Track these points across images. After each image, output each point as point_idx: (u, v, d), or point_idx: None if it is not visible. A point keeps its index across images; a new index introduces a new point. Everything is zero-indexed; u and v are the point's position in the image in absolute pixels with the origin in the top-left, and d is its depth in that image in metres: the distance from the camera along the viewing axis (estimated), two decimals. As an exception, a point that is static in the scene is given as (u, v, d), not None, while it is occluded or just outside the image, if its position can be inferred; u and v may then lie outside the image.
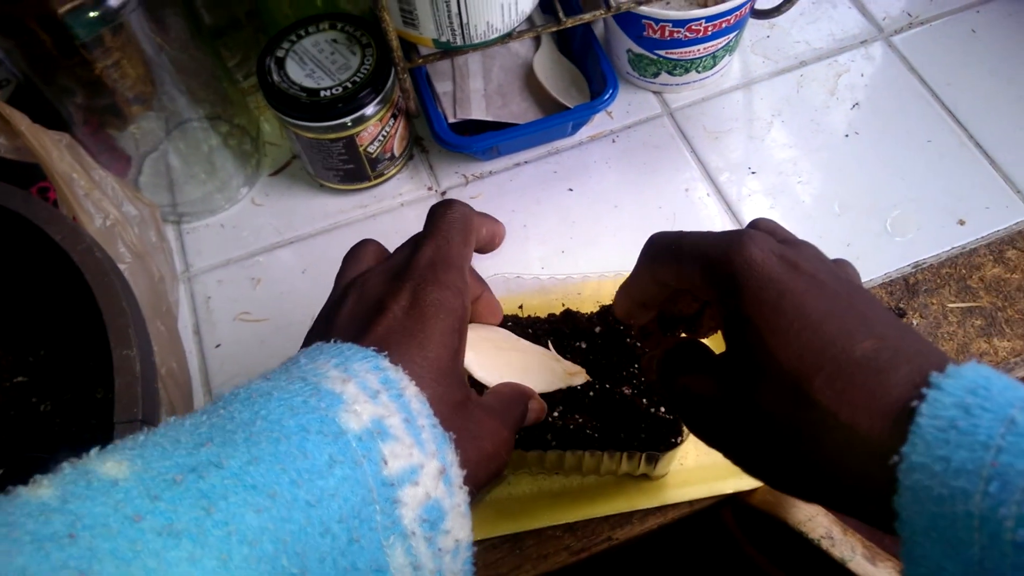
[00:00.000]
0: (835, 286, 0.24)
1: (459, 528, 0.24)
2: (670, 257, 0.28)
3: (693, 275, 0.27)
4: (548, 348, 0.38)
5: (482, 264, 0.51)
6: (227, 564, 0.18)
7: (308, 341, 0.28)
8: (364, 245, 0.31)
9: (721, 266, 0.25)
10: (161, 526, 0.18)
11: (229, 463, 0.20)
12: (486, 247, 0.32)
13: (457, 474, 0.24)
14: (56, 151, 0.35)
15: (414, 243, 0.30)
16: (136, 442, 0.21)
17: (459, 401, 0.26)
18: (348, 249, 0.32)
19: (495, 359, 0.33)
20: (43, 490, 0.19)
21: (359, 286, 0.28)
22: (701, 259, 0.26)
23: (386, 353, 0.24)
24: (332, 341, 0.25)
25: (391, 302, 0.26)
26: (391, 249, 0.32)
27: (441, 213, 0.30)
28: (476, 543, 0.40)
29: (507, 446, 0.28)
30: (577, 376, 0.36)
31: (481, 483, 0.26)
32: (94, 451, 0.20)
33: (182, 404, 0.37)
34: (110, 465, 0.19)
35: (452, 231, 0.29)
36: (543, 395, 0.34)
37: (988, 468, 0.18)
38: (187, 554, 0.18)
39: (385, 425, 0.22)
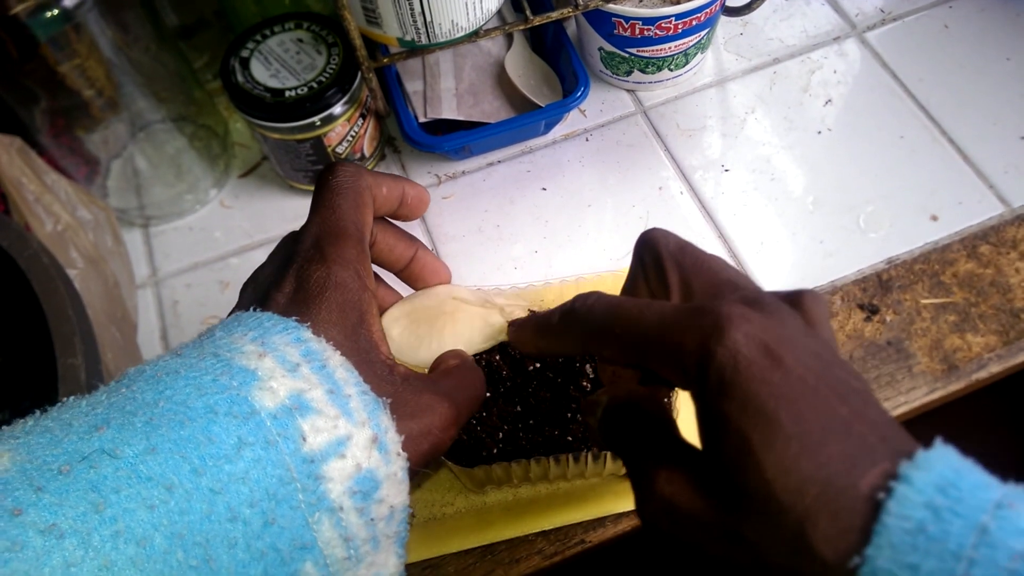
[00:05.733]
0: (826, 390, 0.20)
1: (395, 495, 0.23)
2: (616, 341, 0.24)
3: (654, 363, 0.23)
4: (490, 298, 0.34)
5: (457, 272, 0.50)
6: (109, 569, 0.17)
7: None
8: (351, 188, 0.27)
9: (696, 356, 0.21)
10: (45, 524, 0.17)
11: (124, 451, 0.19)
12: (401, 210, 0.30)
13: (394, 440, 0.23)
14: (6, 155, 0.34)
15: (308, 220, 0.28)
16: (22, 428, 0.19)
17: (378, 374, 0.24)
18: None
19: (420, 333, 0.30)
20: None
21: (254, 277, 0.27)
22: (666, 345, 0.22)
23: (309, 324, 0.23)
24: (252, 309, 0.24)
25: (275, 292, 0.25)
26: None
27: (324, 181, 0.27)
28: (451, 554, 0.40)
29: (444, 421, 0.25)
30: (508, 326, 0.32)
31: (416, 461, 0.24)
32: None
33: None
34: None
35: (337, 198, 0.27)
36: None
37: None
38: (66, 560, 0.17)
39: (305, 399, 0.21)
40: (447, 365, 0.29)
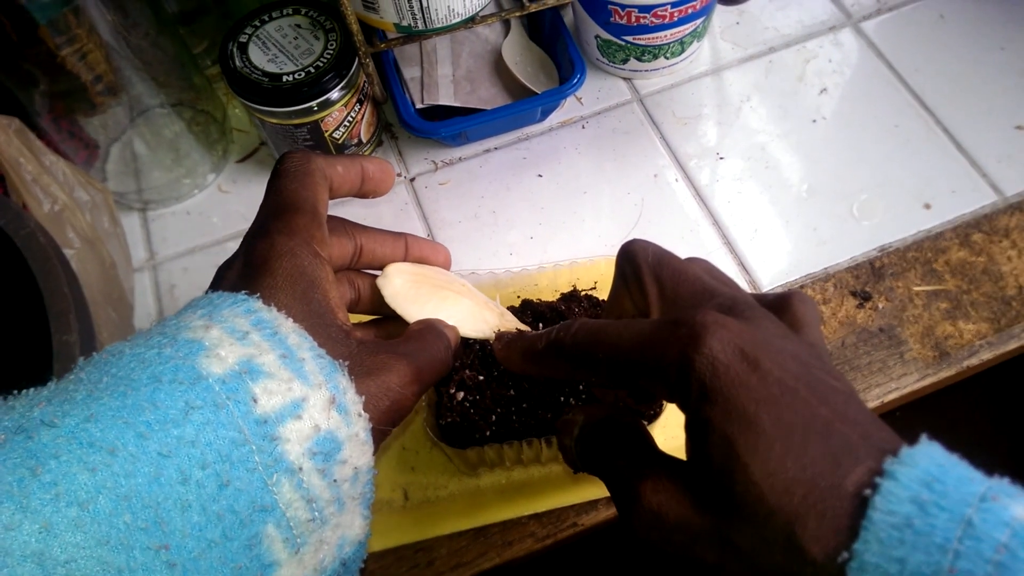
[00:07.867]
0: (806, 391, 0.21)
1: (358, 456, 0.23)
2: (600, 366, 0.24)
3: (641, 380, 0.23)
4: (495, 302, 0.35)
5: (453, 257, 0.50)
6: (49, 531, 0.17)
7: None
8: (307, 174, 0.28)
9: (676, 367, 0.22)
10: None
11: (64, 421, 0.19)
12: (365, 186, 0.30)
13: (353, 400, 0.23)
14: (3, 136, 0.35)
15: None
16: None
17: (333, 338, 0.25)
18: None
19: (420, 292, 0.31)
20: None
21: (224, 266, 0.28)
22: (648, 361, 0.23)
23: (258, 295, 0.23)
24: (205, 293, 0.24)
25: (226, 272, 0.26)
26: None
27: (274, 170, 0.28)
28: (443, 536, 0.40)
29: (402, 378, 0.25)
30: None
31: (378, 420, 0.24)
32: None
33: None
34: None
35: (283, 181, 0.28)
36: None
37: (945, 574, 0.17)
38: (3, 523, 0.17)
39: (255, 364, 0.21)
40: (410, 331, 0.29)
